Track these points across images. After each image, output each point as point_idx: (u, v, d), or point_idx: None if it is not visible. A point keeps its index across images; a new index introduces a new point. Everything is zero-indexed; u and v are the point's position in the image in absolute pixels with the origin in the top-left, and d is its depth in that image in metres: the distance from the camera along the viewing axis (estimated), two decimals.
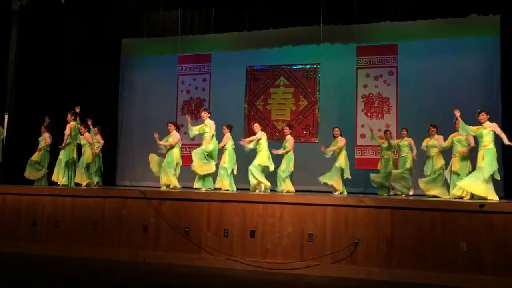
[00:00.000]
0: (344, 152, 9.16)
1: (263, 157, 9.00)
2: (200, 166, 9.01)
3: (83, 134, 9.67)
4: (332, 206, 6.84)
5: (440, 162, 8.51)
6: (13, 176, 9.94)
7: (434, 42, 10.55)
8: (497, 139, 7.53)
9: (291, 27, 10.80)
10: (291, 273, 6.69)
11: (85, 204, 7.96)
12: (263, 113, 11.69)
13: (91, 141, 9.68)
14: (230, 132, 9.46)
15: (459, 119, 7.86)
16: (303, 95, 11.48)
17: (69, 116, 9.41)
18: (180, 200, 7.56)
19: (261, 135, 9.22)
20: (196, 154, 9.06)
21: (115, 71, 12.55)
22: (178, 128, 9.48)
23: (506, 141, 7.36)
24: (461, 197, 7.67)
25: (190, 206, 7.44)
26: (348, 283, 6.31)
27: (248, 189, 9.07)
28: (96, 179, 9.92)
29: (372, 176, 9.58)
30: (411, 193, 9.08)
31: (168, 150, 9.24)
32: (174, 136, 9.26)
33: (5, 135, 10.41)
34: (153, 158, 9.51)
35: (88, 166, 9.69)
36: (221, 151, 9.30)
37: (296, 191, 9.15)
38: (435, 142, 8.62)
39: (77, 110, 9.63)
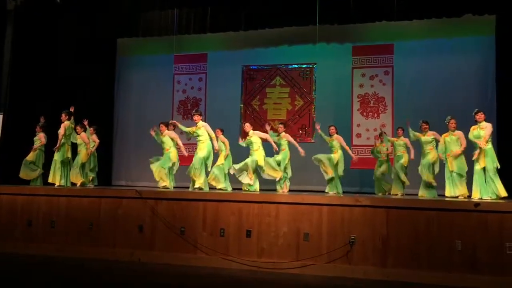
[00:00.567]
0: (340, 151, 9.15)
1: (261, 157, 9.02)
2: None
3: (79, 134, 9.65)
4: (328, 206, 6.85)
5: (434, 156, 8.53)
6: (8, 176, 9.90)
7: (429, 42, 10.57)
8: (494, 138, 7.57)
9: (287, 26, 10.79)
10: (287, 273, 6.69)
11: (81, 204, 7.94)
12: (259, 113, 11.69)
13: (87, 141, 9.64)
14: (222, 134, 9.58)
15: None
16: (299, 94, 11.49)
17: (63, 115, 9.41)
18: (176, 200, 7.55)
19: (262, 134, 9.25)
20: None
21: (110, 70, 12.53)
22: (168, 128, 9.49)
23: (483, 142, 7.45)
24: (456, 197, 7.73)
25: (186, 206, 7.43)
26: (344, 283, 6.32)
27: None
28: (91, 176, 9.88)
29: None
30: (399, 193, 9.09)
31: (166, 149, 9.23)
32: (170, 134, 9.27)
33: None
34: (154, 166, 9.44)
35: (83, 166, 9.65)
36: (217, 152, 9.32)
37: (293, 190, 9.15)
38: (428, 138, 8.64)
39: (72, 110, 9.60)
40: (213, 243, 7.18)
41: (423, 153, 8.70)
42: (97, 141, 9.94)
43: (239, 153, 9.72)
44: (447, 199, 7.58)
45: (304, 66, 11.52)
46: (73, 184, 9.47)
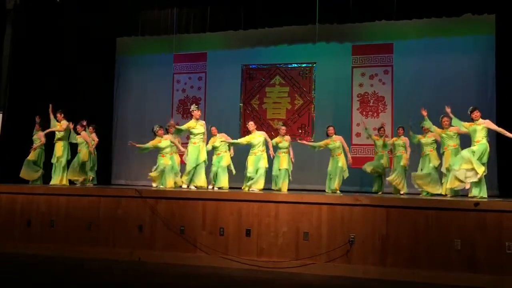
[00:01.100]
0: (342, 153, 9.11)
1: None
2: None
3: (79, 133, 9.67)
4: (327, 205, 6.85)
5: (436, 160, 8.52)
6: (8, 175, 9.89)
7: (429, 41, 10.56)
8: (490, 136, 7.56)
9: (287, 26, 10.78)
10: (287, 272, 6.69)
11: (80, 203, 7.94)
12: (258, 112, 11.69)
13: (88, 139, 9.67)
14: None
15: (451, 115, 7.90)
16: (299, 94, 11.48)
17: (58, 115, 9.49)
18: (175, 199, 7.55)
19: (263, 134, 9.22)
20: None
21: (110, 70, 12.52)
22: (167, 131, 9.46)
23: (507, 133, 7.34)
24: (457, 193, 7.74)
25: (186, 205, 7.43)
26: (343, 282, 6.32)
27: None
28: (91, 176, 9.89)
29: (365, 165, 9.57)
30: (402, 191, 9.08)
31: (170, 154, 9.27)
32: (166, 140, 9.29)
33: None
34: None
35: (83, 164, 9.66)
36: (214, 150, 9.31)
37: (292, 190, 9.15)
38: (428, 139, 8.64)
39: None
40: (213, 242, 7.17)
41: (423, 155, 8.70)
42: (96, 139, 9.94)
43: (240, 153, 9.71)
44: (446, 198, 7.59)
45: (303, 65, 11.52)
46: (72, 183, 9.47)
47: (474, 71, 10.22)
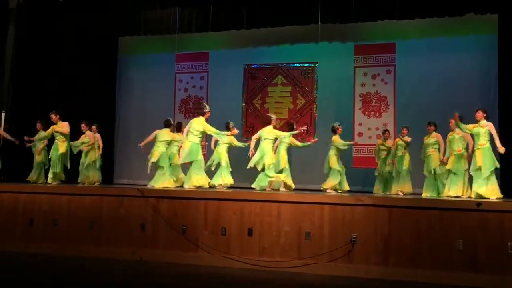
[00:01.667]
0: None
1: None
2: None
3: (84, 133, 9.76)
4: (329, 205, 6.85)
5: (436, 161, 8.53)
6: (10, 174, 9.92)
7: (431, 41, 10.53)
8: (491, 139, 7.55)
9: (289, 25, 10.77)
10: (288, 272, 6.69)
11: (82, 202, 7.95)
12: (260, 112, 11.68)
13: (93, 140, 9.81)
14: None
15: (456, 119, 7.85)
16: (301, 93, 11.47)
17: (53, 115, 9.51)
18: (177, 198, 7.56)
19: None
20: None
21: (112, 69, 12.51)
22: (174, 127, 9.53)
23: (498, 144, 7.38)
24: (458, 196, 7.71)
25: (188, 205, 7.44)
26: (345, 282, 6.31)
27: (250, 188, 8.94)
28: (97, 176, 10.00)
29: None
30: (405, 191, 9.07)
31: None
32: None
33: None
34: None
35: (94, 164, 9.84)
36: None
37: (294, 190, 9.14)
38: (431, 140, 8.63)
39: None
40: (215, 242, 7.18)
41: (426, 155, 8.69)
42: (100, 140, 10.02)
43: (236, 151, 9.72)
44: (448, 198, 7.58)
45: (306, 65, 11.51)
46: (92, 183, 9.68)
47: (476, 71, 10.19)
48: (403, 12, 9.78)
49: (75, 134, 9.89)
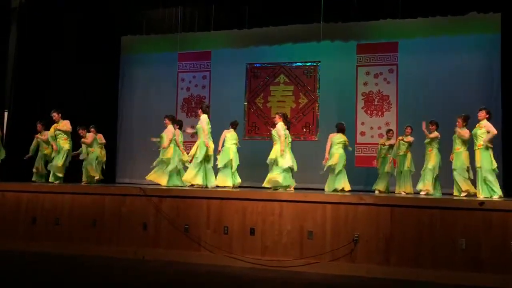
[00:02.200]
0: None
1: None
2: None
3: (84, 136, 9.84)
4: (331, 204, 6.84)
5: (433, 160, 8.55)
6: (13, 174, 9.94)
7: (434, 40, 10.52)
8: (495, 138, 7.53)
9: (291, 24, 10.77)
10: (291, 271, 6.69)
11: (85, 201, 7.96)
12: (263, 111, 11.68)
13: (100, 136, 10.03)
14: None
15: (460, 125, 7.93)
16: (303, 92, 11.47)
17: (55, 114, 9.59)
18: (180, 197, 7.56)
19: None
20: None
21: (114, 68, 12.53)
22: (177, 123, 9.53)
23: (485, 139, 7.40)
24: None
25: (190, 204, 7.44)
26: (347, 281, 6.31)
27: (258, 187, 8.96)
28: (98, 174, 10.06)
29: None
30: (403, 192, 9.09)
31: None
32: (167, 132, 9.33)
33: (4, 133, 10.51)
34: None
35: (98, 163, 9.97)
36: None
37: (297, 189, 9.14)
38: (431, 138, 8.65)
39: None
40: (217, 241, 7.18)
41: (426, 154, 8.70)
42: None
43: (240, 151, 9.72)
44: (451, 197, 7.57)
45: (308, 64, 11.50)
46: (91, 178, 9.75)
47: (479, 70, 10.18)
48: (406, 11, 9.77)
49: (75, 135, 9.91)
